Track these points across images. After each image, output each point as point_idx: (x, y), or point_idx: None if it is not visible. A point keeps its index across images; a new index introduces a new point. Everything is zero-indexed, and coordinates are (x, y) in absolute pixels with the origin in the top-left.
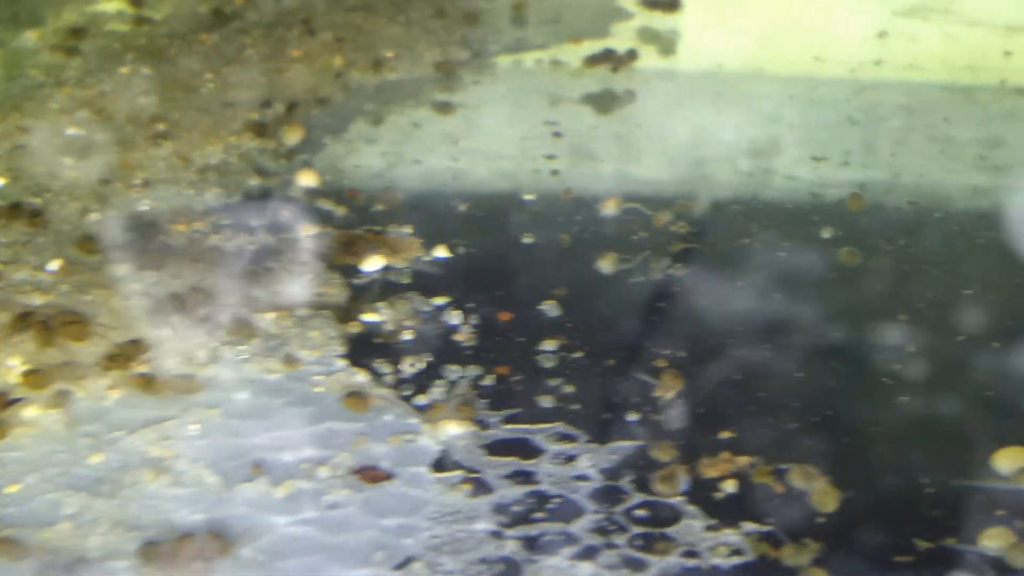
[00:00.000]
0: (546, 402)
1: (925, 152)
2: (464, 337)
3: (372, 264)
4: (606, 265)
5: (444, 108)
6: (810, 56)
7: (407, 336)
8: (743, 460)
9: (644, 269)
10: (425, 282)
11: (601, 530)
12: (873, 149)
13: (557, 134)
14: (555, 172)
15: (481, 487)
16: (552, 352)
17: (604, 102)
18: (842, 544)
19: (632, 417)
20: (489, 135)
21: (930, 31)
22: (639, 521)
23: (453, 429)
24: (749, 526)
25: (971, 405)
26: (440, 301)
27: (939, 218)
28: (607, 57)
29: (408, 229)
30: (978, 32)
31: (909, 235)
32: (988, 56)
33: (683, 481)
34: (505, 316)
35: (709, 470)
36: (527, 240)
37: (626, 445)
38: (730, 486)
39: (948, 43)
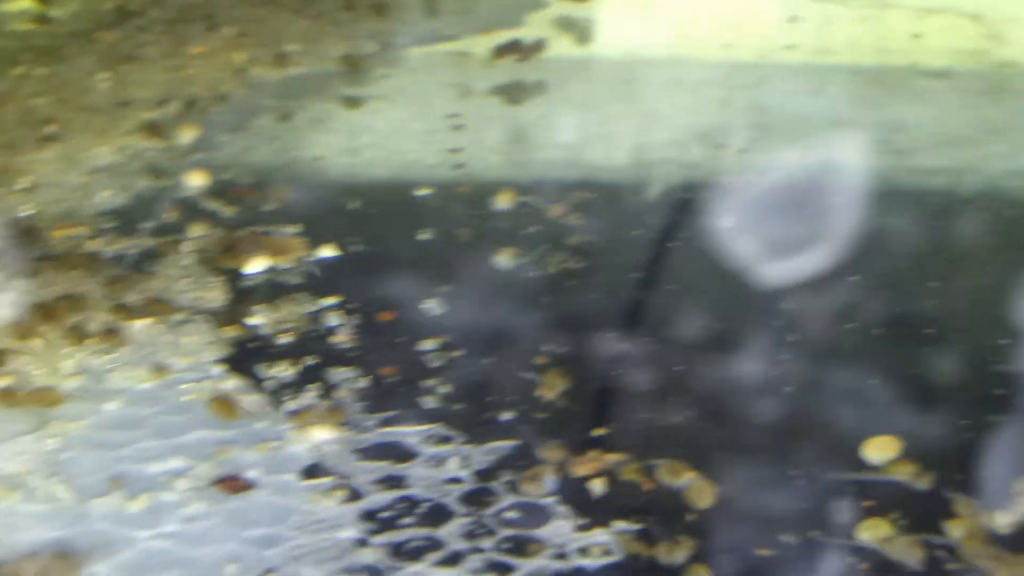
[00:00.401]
0: (424, 403)
1: (826, 137)
2: (344, 338)
3: (255, 266)
4: (503, 260)
5: (351, 102)
6: (720, 43)
7: (285, 339)
8: (613, 457)
9: (540, 263)
10: (311, 283)
11: (469, 534)
12: (775, 135)
13: (459, 127)
14: (458, 166)
15: (350, 493)
16: (433, 351)
17: (514, 93)
18: (719, 539)
19: (510, 416)
20: (394, 129)
21: (842, 14)
22: (509, 523)
23: (324, 434)
24: (621, 525)
25: (846, 395)
26: (324, 302)
27: (840, 203)
28: (514, 47)
29: (295, 228)
30: (890, 14)
31: (807, 221)
32: (899, 39)
33: (549, 481)
34: (386, 316)
35: (579, 468)
36: (423, 236)
37: (502, 445)
38: (601, 484)
39: (860, 26)
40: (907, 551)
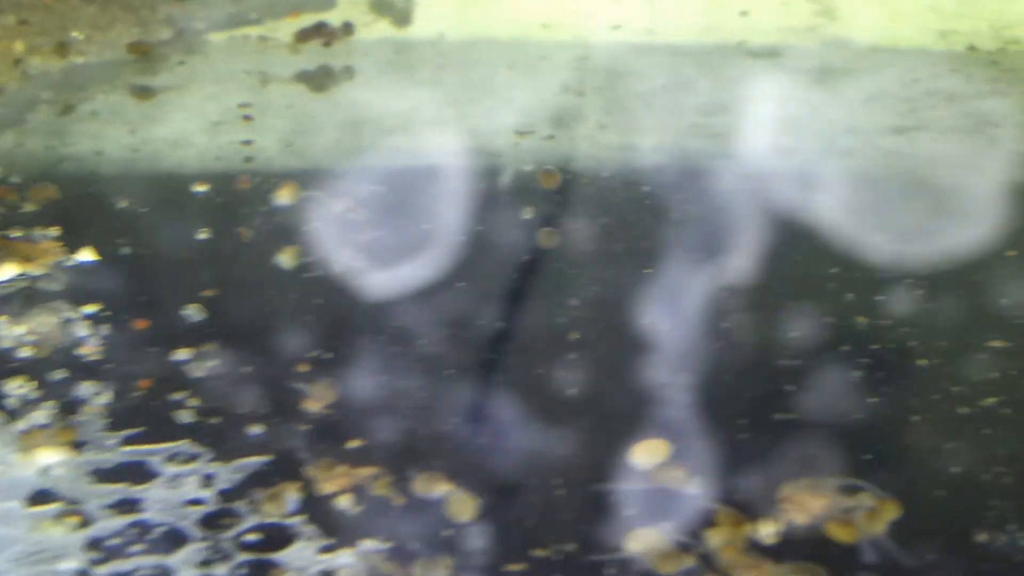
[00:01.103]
0: (173, 418)
1: (639, 121)
2: (93, 350)
3: (2, 273)
4: (287, 259)
5: (141, 93)
6: (541, 23)
7: (29, 353)
8: (364, 472)
9: (324, 262)
10: (66, 290)
11: (203, 561)
12: (585, 120)
13: (253, 117)
14: (248, 159)
15: (79, 520)
16: (191, 361)
17: (319, 80)
18: (479, 556)
19: (265, 431)
20: (183, 121)
21: None
22: (248, 547)
23: (56, 456)
24: (370, 544)
25: (621, 398)
26: (76, 311)
27: (646, 192)
28: (319, 31)
29: (55, 231)
30: None
31: (611, 211)
32: (726, 16)
33: (293, 500)
34: (141, 324)
35: (327, 485)
36: (199, 236)
37: (252, 462)
38: (349, 501)
39: (687, 4)
40: (670, 561)
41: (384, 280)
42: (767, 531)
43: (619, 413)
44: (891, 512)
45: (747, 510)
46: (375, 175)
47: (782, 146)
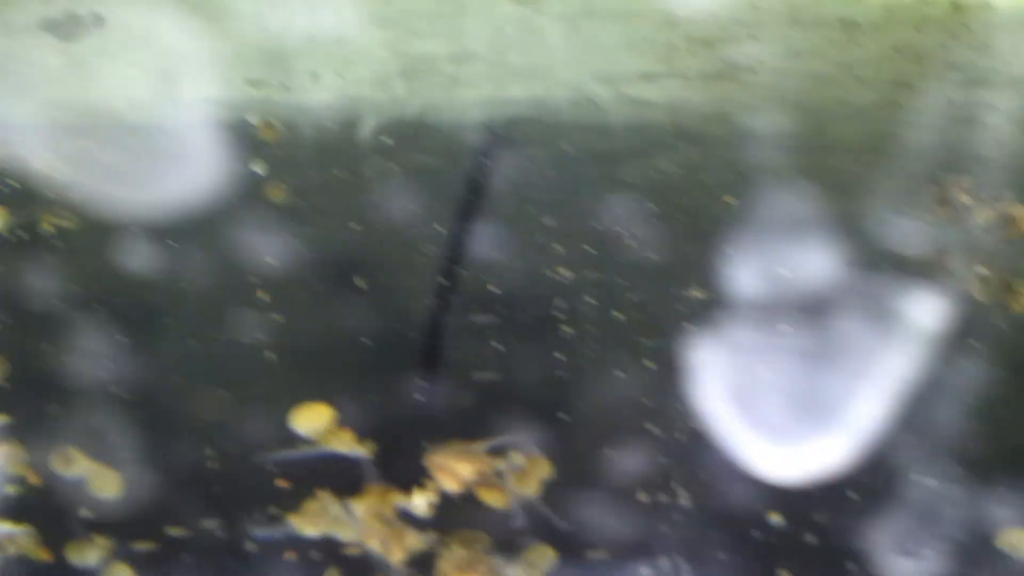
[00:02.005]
0: None
1: (376, 72)
2: None
3: None
4: None
5: None
6: None
7: None
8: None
9: (28, 225)
10: None
11: None
12: (323, 71)
13: None
14: None
15: None
16: None
17: (66, 28)
18: (128, 536)
19: None
20: None
21: None
22: None
23: None
24: (4, 527)
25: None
26: None
27: (390, 146)
28: None
29: None
30: None
31: (342, 165)
32: None
33: None
34: None
35: None
36: None
37: None
38: None
39: None
40: (321, 526)
41: (88, 243)
42: (419, 500)
43: (282, 374)
44: (543, 471)
45: (399, 479)
46: (91, 130)
47: (523, 95)
